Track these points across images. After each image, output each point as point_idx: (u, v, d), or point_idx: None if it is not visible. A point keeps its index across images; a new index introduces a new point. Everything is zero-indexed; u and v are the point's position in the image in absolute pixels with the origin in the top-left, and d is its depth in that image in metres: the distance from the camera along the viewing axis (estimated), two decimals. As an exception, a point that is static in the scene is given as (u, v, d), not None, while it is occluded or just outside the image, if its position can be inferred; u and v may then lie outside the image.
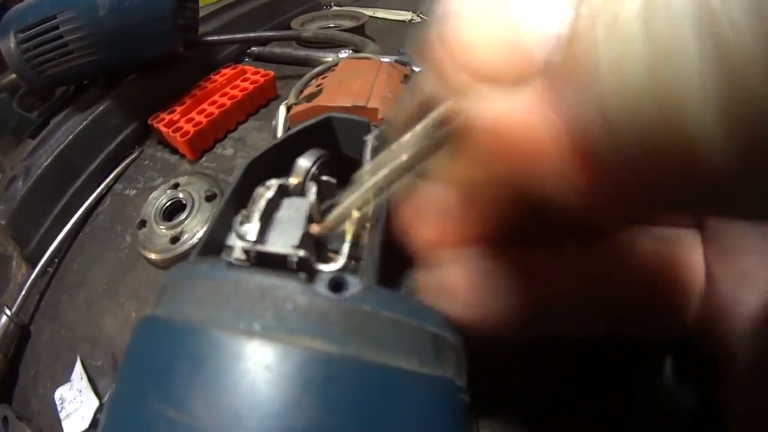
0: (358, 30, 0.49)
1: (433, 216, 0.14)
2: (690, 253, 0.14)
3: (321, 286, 0.11)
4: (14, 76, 0.49)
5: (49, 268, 0.40)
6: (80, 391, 0.34)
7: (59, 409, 0.33)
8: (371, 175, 0.12)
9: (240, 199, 0.16)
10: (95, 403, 0.32)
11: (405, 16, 0.58)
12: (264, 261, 0.12)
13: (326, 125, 0.18)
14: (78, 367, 0.34)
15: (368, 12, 0.56)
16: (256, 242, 0.12)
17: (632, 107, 0.06)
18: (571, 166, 0.08)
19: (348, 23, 0.51)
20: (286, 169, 0.17)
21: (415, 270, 0.15)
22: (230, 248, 0.13)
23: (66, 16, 0.40)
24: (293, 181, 0.16)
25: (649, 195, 0.08)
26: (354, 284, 0.11)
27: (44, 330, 0.38)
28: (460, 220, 0.13)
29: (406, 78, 0.35)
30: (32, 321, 0.39)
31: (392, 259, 0.15)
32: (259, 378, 0.09)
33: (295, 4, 0.58)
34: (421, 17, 0.58)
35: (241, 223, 0.13)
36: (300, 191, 0.16)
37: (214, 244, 0.15)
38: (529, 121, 0.08)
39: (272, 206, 0.14)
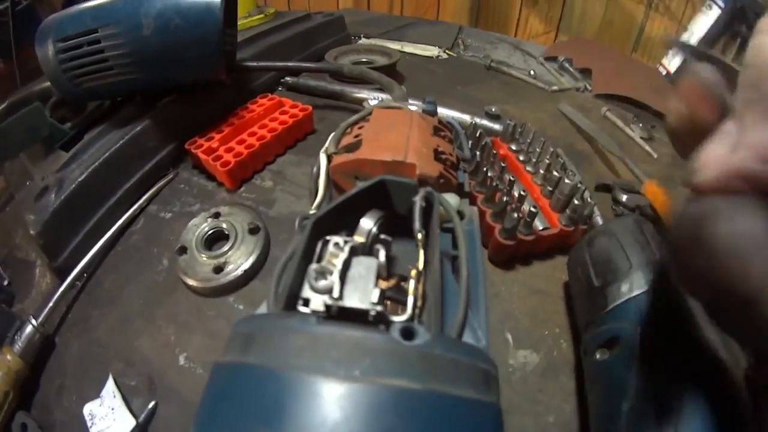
0: (391, 68, 0.51)
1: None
2: None
3: (395, 334, 0.14)
4: (46, 84, 0.49)
5: (77, 282, 0.40)
6: (113, 409, 0.34)
7: (89, 424, 0.34)
8: None
9: (306, 253, 0.18)
10: (131, 422, 0.33)
11: (432, 51, 0.61)
12: (344, 314, 0.16)
13: (380, 186, 0.21)
14: (110, 385, 0.35)
15: (396, 46, 0.58)
16: (338, 299, 0.15)
17: None
18: None
19: (380, 59, 0.53)
20: (343, 224, 0.19)
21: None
22: (306, 300, 0.16)
23: (108, 31, 0.40)
24: (358, 239, 0.18)
25: None
26: (421, 332, 0.14)
27: (71, 343, 0.38)
28: None
29: (436, 130, 0.36)
30: (57, 332, 0.39)
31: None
32: (364, 413, 0.12)
33: (326, 35, 0.60)
34: (447, 53, 0.60)
35: (316, 278, 0.16)
36: (363, 249, 0.18)
37: (288, 296, 0.17)
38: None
39: (346, 265, 0.17)
